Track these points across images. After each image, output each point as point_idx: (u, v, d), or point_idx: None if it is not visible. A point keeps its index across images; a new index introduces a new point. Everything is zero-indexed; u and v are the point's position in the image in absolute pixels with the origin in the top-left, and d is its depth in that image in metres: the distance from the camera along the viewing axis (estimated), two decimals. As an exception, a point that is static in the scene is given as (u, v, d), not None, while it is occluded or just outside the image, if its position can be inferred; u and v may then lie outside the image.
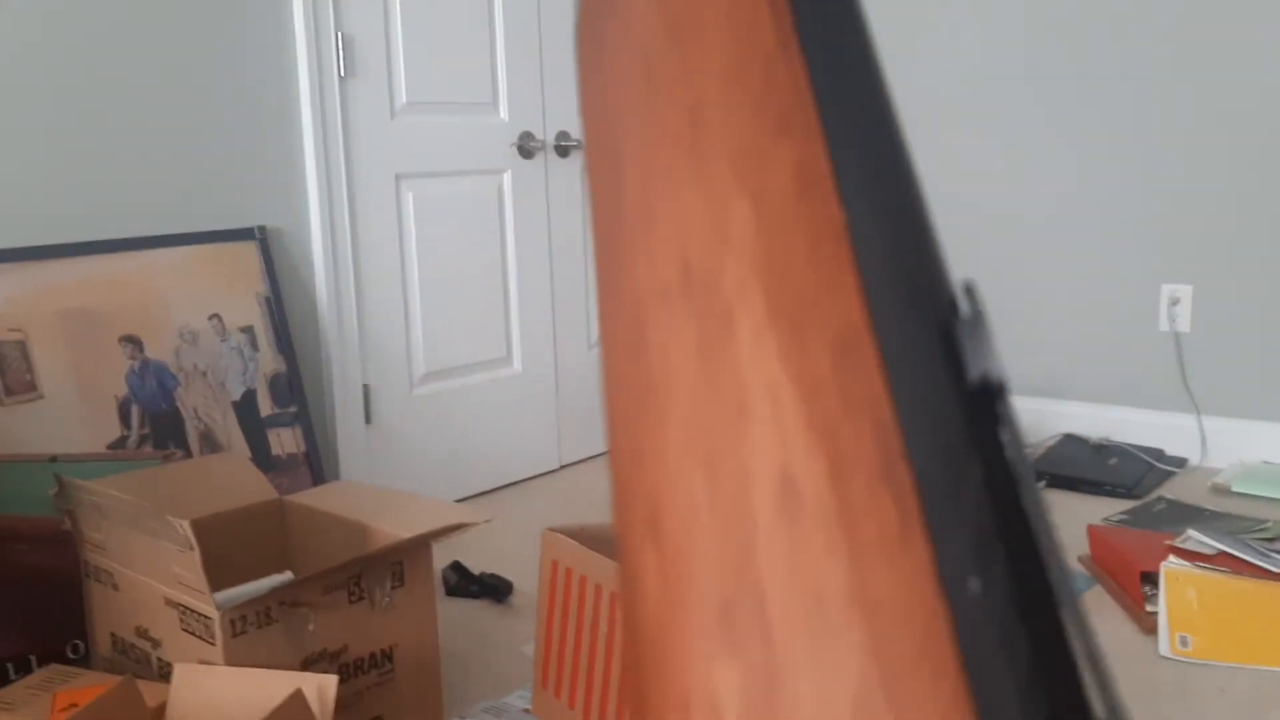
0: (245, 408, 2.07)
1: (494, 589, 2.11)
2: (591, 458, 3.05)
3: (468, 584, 2.12)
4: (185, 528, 1.30)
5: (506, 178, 2.71)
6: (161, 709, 1.34)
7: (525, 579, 2.15)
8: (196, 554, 1.32)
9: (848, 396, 0.22)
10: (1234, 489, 2.59)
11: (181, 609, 1.40)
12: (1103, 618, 1.94)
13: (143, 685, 1.34)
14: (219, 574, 1.56)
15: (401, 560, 1.53)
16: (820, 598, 0.21)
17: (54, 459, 1.76)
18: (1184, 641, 1.81)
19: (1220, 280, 2.76)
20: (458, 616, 2.03)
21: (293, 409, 2.15)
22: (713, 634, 0.22)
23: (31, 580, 1.70)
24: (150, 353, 1.94)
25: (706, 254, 0.23)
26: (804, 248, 0.23)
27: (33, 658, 1.67)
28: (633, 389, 0.24)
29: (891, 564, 0.21)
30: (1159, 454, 2.81)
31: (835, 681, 0.21)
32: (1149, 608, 1.92)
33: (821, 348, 0.22)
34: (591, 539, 1.52)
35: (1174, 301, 2.82)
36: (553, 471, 2.94)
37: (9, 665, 1.65)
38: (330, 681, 1.31)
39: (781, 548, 0.22)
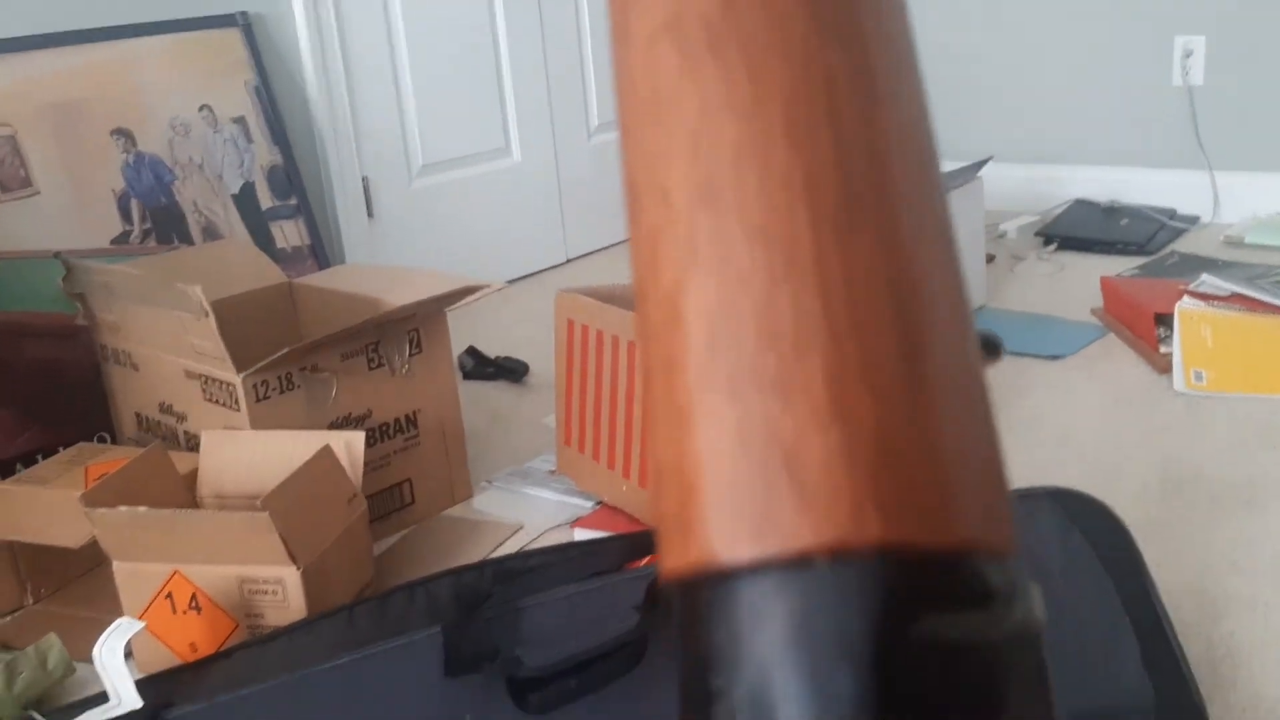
0: (245, 200, 2.04)
1: (510, 371, 2.12)
2: (598, 250, 3.03)
3: (484, 367, 2.14)
4: (198, 293, 1.29)
5: (492, -44, 2.60)
6: (193, 475, 1.36)
7: (540, 362, 2.15)
8: (212, 320, 1.31)
9: None
10: (1247, 240, 2.57)
11: (203, 379, 1.40)
12: (1116, 362, 1.95)
13: (173, 456, 1.36)
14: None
15: (417, 327, 1.53)
16: None
17: (57, 255, 1.74)
18: (1198, 376, 1.82)
19: (1235, 30, 2.68)
20: (476, 397, 2.04)
21: (293, 201, 2.12)
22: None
23: (50, 375, 1.70)
24: (143, 146, 1.90)
25: None
26: None
27: (61, 449, 1.69)
28: None
29: None
30: (1171, 213, 2.78)
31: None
32: (1163, 349, 1.92)
33: None
34: (604, 297, 1.52)
35: (1187, 54, 2.75)
36: (560, 265, 2.92)
37: (38, 457, 1.67)
38: (358, 438, 1.32)
39: None
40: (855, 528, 0.20)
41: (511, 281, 2.78)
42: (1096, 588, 1.03)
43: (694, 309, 0.22)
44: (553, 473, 1.67)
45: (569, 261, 2.94)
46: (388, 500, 1.52)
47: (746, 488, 0.20)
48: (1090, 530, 1.06)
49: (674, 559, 0.21)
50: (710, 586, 0.21)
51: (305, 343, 1.37)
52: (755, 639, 0.20)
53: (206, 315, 1.31)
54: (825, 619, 0.19)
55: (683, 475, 0.21)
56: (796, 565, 0.20)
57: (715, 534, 0.21)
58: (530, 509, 1.60)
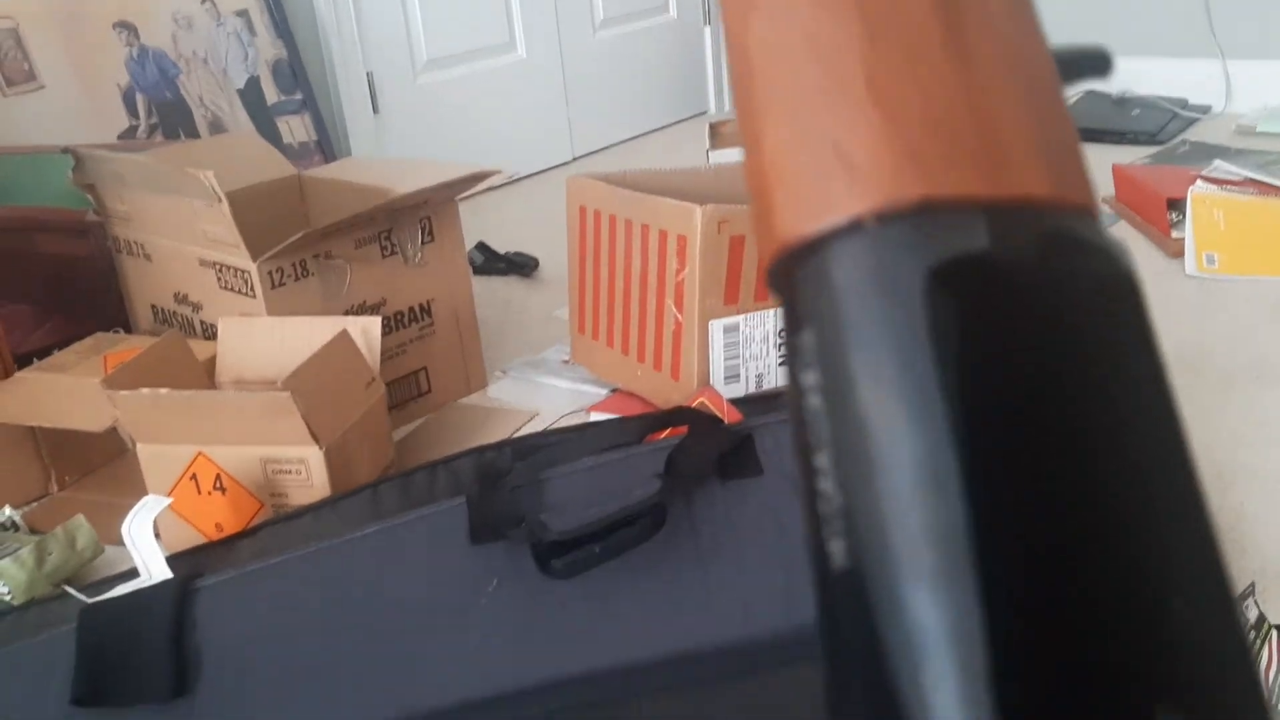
0: (251, 95, 2.02)
1: (520, 266, 2.12)
2: (605, 148, 3.00)
3: (494, 262, 2.13)
4: (210, 178, 1.29)
5: None
6: (211, 362, 1.37)
7: (549, 258, 2.15)
8: (225, 205, 1.31)
9: None
10: (1259, 129, 2.55)
11: (218, 267, 1.40)
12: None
13: (191, 345, 1.36)
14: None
15: (429, 215, 1.53)
16: None
17: (66, 150, 1.73)
18: (1210, 259, 1.82)
19: (1251, -89, 2.62)
20: (487, 291, 2.04)
21: (298, 96, 2.10)
22: None
23: (64, 269, 1.70)
24: (146, 39, 1.87)
25: None
26: None
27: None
28: None
29: None
30: (1182, 102, 2.75)
31: None
32: (1175, 234, 1.92)
33: None
34: (616, 182, 1.51)
35: (1202, -61, 2.69)
36: (566, 164, 2.90)
37: (54, 351, 1.68)
38: (374, 323, 1.33)
39: None
40: (898, 191, 0.22)
41: (518, 181, 2.76)
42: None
43: (757, 51, 0.25)
44: (566, 362, 1.68)
45: (575, 160, 2.92)
46: (404, 388, 1.54)
47: (806, 179, 0.24)
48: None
49: (764, 254, 0.25)
50: (788, 265, 0.24)
51: (319, 227, 1.36)
52: (822, 295, 0.23)
53: (219, 201, 1.30)
54: (881, 269, 0.22)
55: (760, 185, 0.25)
56: (850, 230, 0.23)
57: (785, 222, 0.24)
58: (545, 397, 1.61)
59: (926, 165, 0.22)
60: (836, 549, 0.21)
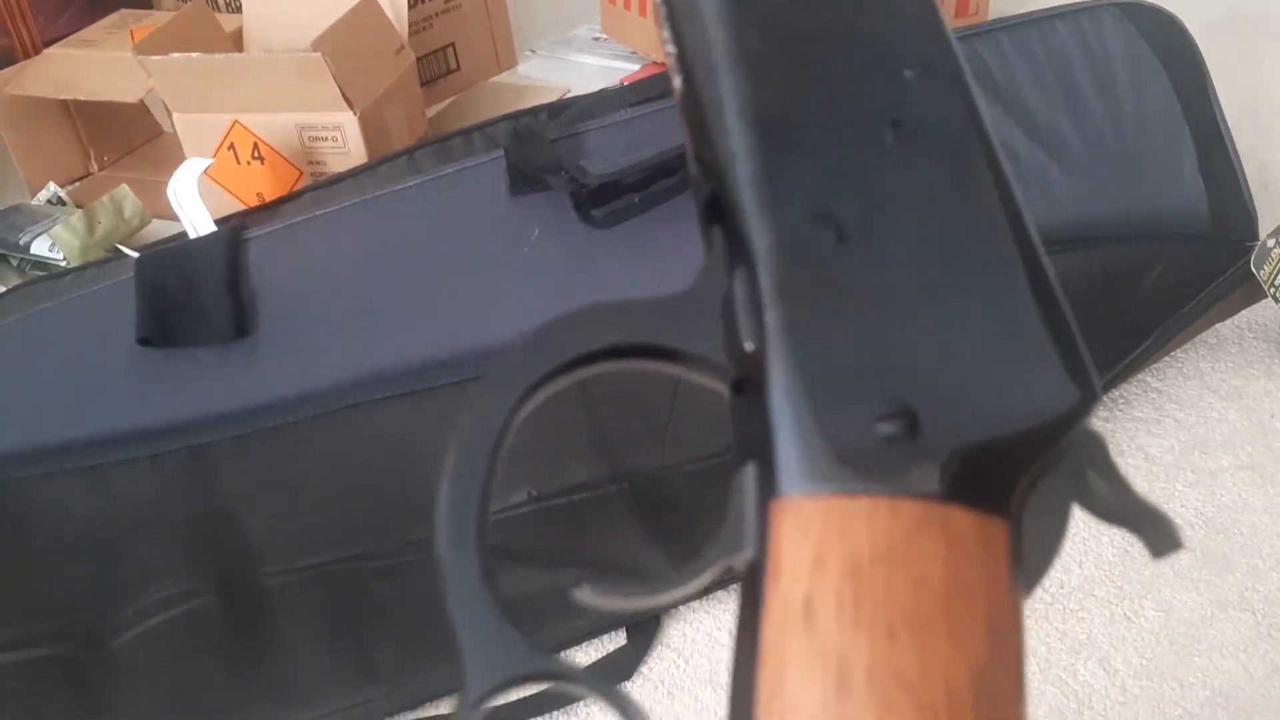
0: None
1: (546, -55, 2.03)
2: None
3: (518, -58, 2.05)
4: None
5: None
6: (238, 34, 1.34)
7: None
8: None
9: None
10: None
11: (236, -67, 1.36)
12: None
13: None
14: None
15: (450, -122, 1.45)
16: None
17: None
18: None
19: None
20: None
21: None
22: None
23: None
24: None
25: None
26: None
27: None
28: None
29: None
30: None
31: None
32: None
33: None
34: None
35: None
36: None
37: (78, 36, 1.65)
38: (400, -13, 1.29)
39: None
40: None
41: None
42: (1160, 97, 1.02)
43: None
44: (597, 39, 1.64)
45: None
46: (433, 65, 1.51)
47: None
48: (1156, 40, 1.03)
49: None
50: None
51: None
52: None
53: None
54: None
55: None
56: None
57: None
58: (576, 74, 1.58)
59: None
60: (676, 81, 0.29)
